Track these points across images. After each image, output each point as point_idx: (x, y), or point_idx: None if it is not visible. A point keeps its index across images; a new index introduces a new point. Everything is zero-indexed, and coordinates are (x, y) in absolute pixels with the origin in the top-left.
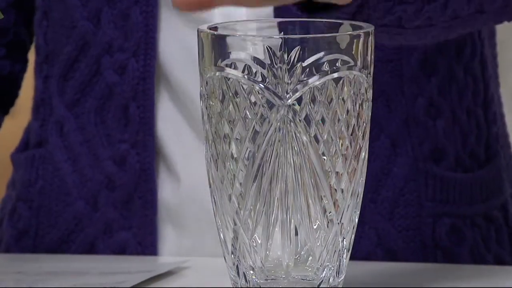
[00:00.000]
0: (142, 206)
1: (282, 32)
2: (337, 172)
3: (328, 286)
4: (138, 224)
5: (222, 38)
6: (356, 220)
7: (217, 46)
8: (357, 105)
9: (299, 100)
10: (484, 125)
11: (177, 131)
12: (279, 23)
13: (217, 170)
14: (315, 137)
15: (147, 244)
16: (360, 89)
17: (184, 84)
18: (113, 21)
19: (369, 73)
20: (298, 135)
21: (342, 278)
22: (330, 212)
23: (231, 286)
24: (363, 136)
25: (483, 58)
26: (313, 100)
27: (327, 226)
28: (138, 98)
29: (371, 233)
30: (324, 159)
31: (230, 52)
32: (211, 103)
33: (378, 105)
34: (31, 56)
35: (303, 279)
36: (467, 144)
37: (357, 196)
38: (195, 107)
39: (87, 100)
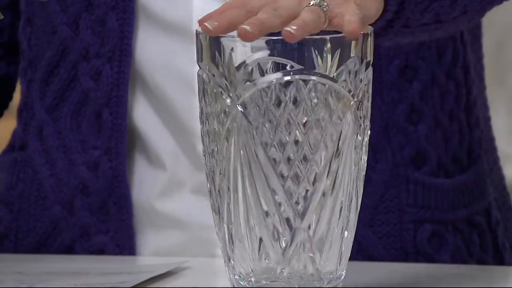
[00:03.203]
0: (117, 211)
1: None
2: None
3: (328, 286)
4: (115, 228)
5: (220, 39)
6: (355, 221)
7: (214, 47)
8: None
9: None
10: (466, 129)
11: (157, 136)
12: None
13: (207, 167)
14: (265, 141)
15: (125, 246)
16: (321, 95)
17: (163, 89)
18: (91, 26)
19: (345, 80)
20: (250, 136)
21: (342, 278)
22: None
23: (231, 287)
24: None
25: (466, 63)
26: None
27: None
28: (111, 105)
29: None
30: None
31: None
32: (203, 102)
33: None
34: None
35: (302, 280)
36: (450, 149)
37: (350, 198)
38: (175, 112)
39: (65, 105)
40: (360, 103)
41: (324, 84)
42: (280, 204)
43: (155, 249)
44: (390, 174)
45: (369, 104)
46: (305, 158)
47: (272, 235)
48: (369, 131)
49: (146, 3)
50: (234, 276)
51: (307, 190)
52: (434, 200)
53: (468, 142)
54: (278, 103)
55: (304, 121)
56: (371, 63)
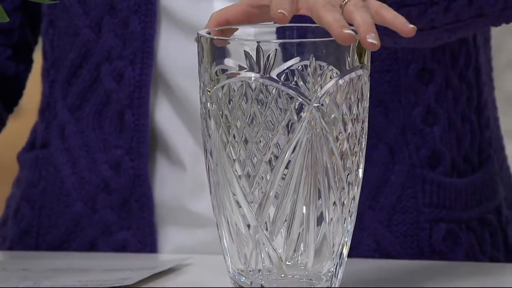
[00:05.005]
0: (139, 209)
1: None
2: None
3: (327, 286)
4: (137, 225)
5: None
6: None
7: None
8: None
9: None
10: (477, 130)
11: (177, 137)
12: (277, 29)
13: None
14: (223, 140)
15: (147, 243)
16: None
17: (185, 91)
18: (113, 29)
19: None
20: (215, 134)
21: (340, 278)
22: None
23: (231, 284)
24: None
25: (478, 66)
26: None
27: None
28: (133, 106)
29: (369, 239)
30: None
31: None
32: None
33: (376, 114)
34: (39, 61)
35: (301, 279)
36: (462, 149)
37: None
38: (196, 113)
39: (87, 105)
40: (357, 103)
41: (272, 86)
42: (238, 203)
43: (177, 246)
44: (407, 175)
45: (366, 105)
46: (255, 158)
47: (236, 234)
48: (358, 133)
49: (168, 6)
50: (234, 274)
51: (260, 190)
52: (448, 200)
53: (479, 142)
54: (231, 102)
55: (253, 122)
56: (368, 67)
